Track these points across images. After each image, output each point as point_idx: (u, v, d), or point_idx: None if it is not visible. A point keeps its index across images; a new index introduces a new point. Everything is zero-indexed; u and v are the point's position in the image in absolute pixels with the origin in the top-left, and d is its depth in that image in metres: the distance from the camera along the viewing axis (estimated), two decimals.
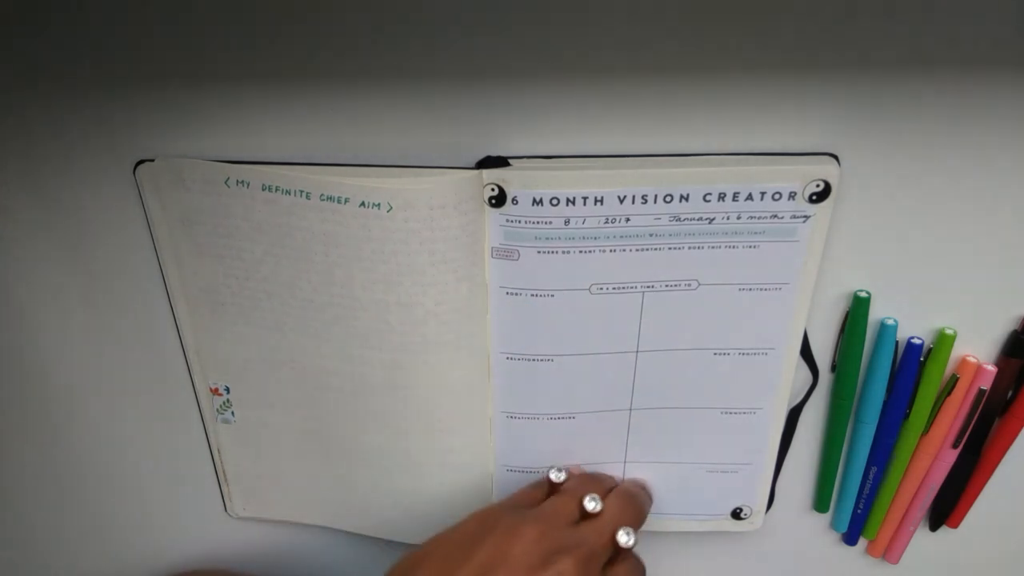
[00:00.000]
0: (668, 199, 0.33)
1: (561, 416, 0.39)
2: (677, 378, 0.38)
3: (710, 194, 0.32)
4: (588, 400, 0.39)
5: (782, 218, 0.33)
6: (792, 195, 0.32)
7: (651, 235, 0.34)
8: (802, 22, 0.31)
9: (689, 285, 0.35)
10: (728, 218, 0.33)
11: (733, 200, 0.33)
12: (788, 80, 0.32)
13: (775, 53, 0.31)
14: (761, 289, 0.35)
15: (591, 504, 0.35)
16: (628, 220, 0.33)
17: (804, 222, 0.33)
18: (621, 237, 0.34)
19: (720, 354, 0.37)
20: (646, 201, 0.33)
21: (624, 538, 0.34)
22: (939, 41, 0.31)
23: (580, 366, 0.38)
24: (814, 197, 0.32)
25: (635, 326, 0.36)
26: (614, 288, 0.35)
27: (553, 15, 0.31)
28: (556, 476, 0.38)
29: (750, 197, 0.32)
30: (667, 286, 0.35)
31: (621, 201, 0.33)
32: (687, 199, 0.33)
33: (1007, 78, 0.31)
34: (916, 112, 0.32)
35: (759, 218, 0.33)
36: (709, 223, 0.33)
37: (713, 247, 0.34)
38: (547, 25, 0.31)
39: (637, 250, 0.34)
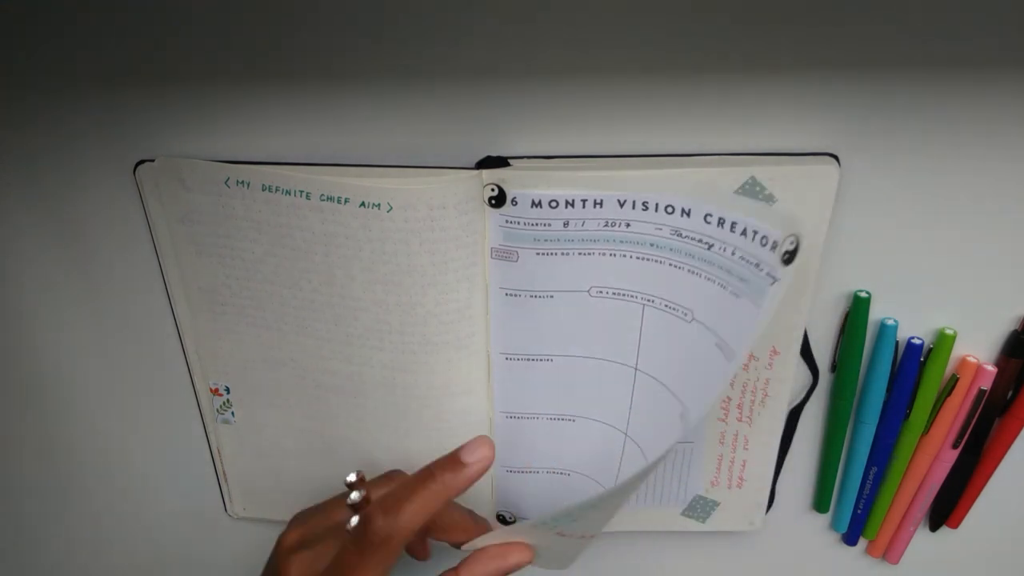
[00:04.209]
0: (669, 210, 0.32)
1: (561, 417, 0.39)
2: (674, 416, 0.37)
3: (711, 215, 0.32)
4: (587, 406, 0.39)
5: (761, 270, 0.30)
6: (774, 246, 0.30)
7: (652, 245, 0.33)
8: (802, 22, 0.31)
9: (685, 315, 0.34)
10: (725, 249, 0.32)
11: (731, 230, 0.31)
12: (788, 80, 0.32)
13: (775, 53, 0.31)
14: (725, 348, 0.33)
15: (354, 495, 0.33)
16: (628, 225, 0.33)
17: (772, 284, 0.30)
18: (621, 242, 0.34)
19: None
20: (647, 208, 0.33)
21: (353, 496, 0.32)
22: (939, 41, 0.31)
23: (579, 368, 0.38)
24: (786, 256, 0.29)
25: (635, 338, 0.36)
26: (614, 293, 0.35)
27: (553, 15, 0.31)
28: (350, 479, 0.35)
29: (744, 233, 0.31)
30: (667, 305, 0.34)
31: (621, 205, 0.33)
32: (688, 214, 0.32)
33: (1007, 78, 0.31)
34: (916, 112, 0.32)
35: (748, 261, 0.31)
36: (708, 248, 0.32)
37: (709, 279, 0.33)
38: (547, 25, 0.31)
39: (637, 258, 0.34)
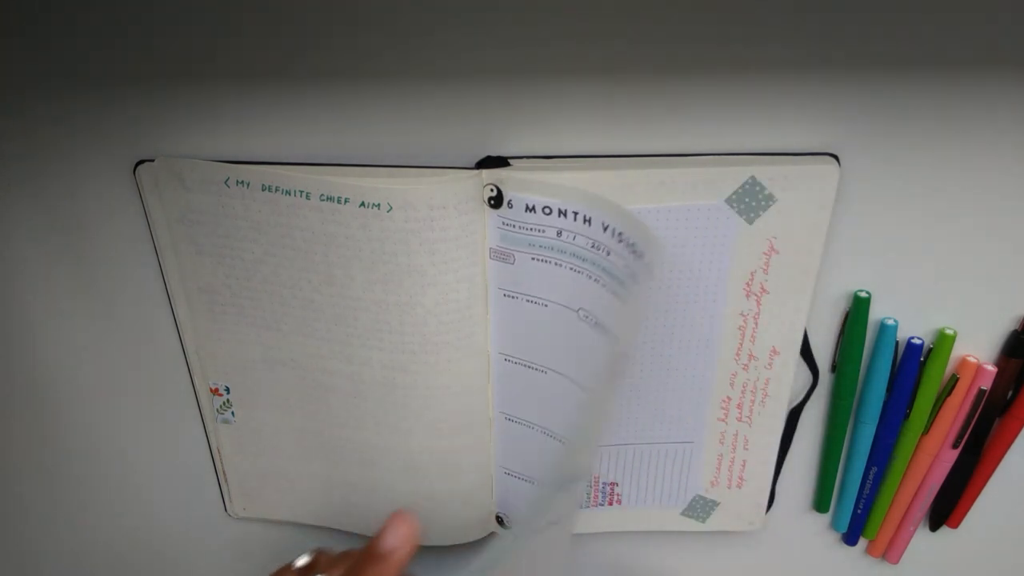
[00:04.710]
0: (638, 253, 0.30)
1: (552, 435, 0.39)
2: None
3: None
4: (576, 430, 0.38)
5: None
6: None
7: (627, 283, 0.32)
8: (802, 22, 0.31)
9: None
10: (685, 292, 0.30)
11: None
12: (788, 80, 0.32)
13: (775, 53, 0.31)
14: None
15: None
16: (609, 255, 0.32)
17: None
18: (604, 271, 0.32)
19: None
20: (621, 240, 0.31)
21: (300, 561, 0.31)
22: (940, 41, 0.31)
23: (570, 392, 0.36)
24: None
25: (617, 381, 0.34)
26: (596, 324, 0.34)
27: (553, 15, 0.31)
28: (301, 561, 0.33)
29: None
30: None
31: (605, 230, 0.31)
32: (642, 256, 0.30)
33: (1007, 78, 0.31)
34: (916, 112, 0.32)
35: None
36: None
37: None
38: (547, 25, 0.31)
39: (614, 295, 0.32)
